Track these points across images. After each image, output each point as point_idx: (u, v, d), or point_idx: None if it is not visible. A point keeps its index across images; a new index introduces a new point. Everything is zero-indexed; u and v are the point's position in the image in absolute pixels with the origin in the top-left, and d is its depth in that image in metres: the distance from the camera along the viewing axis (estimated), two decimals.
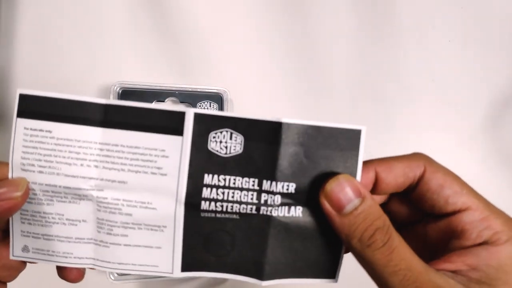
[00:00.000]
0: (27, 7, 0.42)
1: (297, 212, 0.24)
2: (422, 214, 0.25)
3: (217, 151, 0.23)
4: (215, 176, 0.23)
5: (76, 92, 0.44)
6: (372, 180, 0.24)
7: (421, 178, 0.23)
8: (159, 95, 0.43)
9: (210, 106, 0.44)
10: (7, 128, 0.41)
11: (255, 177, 0.23)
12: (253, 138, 0.23)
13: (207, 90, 0.44)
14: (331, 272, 0.25)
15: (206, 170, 0.23)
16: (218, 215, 0.24)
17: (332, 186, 0.22)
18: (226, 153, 0.23)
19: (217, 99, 0.44)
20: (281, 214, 0.23)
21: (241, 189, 0.23)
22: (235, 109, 0.45)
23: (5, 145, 0.41)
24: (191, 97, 0.44)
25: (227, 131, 0.23)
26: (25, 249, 0.25)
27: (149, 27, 0.45)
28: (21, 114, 0.23)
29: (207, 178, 0.23)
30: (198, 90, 0.44)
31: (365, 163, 0.24)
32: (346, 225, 0.22)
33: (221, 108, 0.44)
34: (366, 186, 0.24)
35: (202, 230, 0.24)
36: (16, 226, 0.25)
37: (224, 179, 0.23)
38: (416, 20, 0.49)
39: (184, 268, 0.25)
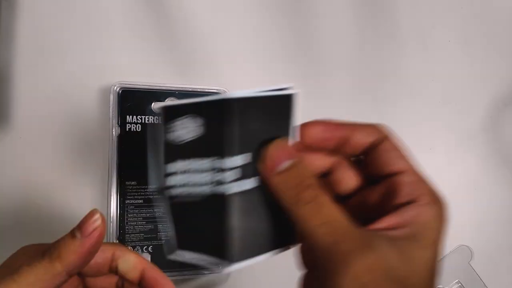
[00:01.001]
0: (27, 7, 0.42)
1: (249, 185, 0.24)
2: (365, 182, 0.26)
3: (174, 139, 0.24)
4: (175, 164, 0.25)
5: (76, 91, 0.44)
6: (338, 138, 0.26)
7: (382, 141, 0.25)
8: (159, 95, 0.43)
9: None
10: (8, 129, 0.41)
11: (208, 157, 0.24)
12: (205, 119, 0.23)
13: (207, 90, 0.44)
14: (292, 237, 0.25)
15: (168, 159, 0.25)
16: (185, 200, 0.25)
17: (268, 150, 0.23)
18: (183, 139, 0.24)
19: None
20: (235, 191, 0.23)
21: (198, 172, 0.24)
22: None
23: (5, 146, 0.41)
24: (191, 97, 0.44)
25: (186, 117, 0.24)
26: None
27: (149, 27, 0.45)
28: None
29: (170, 167, 0.25)
30: (198, 90, 0.44)
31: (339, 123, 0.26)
32: (277, 183, 0.23)
33: None
34: (325, 139, 0.26)
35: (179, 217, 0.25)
36: None
37: (184, 164, 0.24)
38: (416, 20, 0.49)
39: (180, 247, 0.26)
